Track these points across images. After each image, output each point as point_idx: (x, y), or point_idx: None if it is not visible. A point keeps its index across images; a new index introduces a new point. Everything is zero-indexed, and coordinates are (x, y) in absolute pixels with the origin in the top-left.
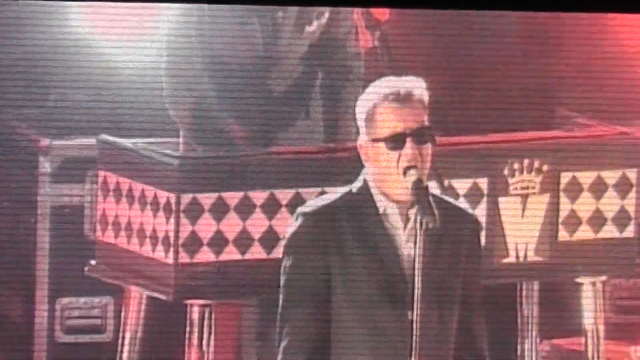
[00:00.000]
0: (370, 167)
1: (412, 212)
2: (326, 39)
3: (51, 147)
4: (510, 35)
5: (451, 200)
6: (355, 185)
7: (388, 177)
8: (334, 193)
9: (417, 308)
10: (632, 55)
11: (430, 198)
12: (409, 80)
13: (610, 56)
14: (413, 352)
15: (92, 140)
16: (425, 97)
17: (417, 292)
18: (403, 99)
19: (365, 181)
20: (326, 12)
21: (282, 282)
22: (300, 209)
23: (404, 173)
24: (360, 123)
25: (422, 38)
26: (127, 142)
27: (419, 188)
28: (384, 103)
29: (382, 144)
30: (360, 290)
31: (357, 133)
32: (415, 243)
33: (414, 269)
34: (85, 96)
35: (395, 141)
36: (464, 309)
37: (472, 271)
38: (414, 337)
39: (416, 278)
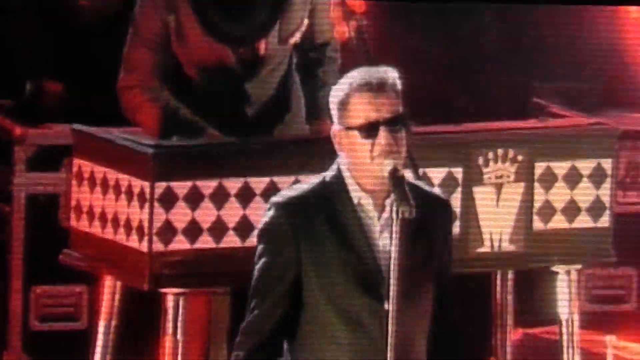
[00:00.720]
0: (344, 156)
1: (388, 202)
2: (304, 36)
3: (26, 135)
4: (487, 26)
5: (424, 186)
6: (329, 174)
7: (362, 167)
8: (307, 183)
9: (393, 298)
10: (608, 46)
11: (406, 187)
12: (382, 70)
13: (587, 48)
14: (389, 344)
15: (67, 129)
16: (399, 86)
17: (394, 283)
18: (376, 88)
19: (339, 170)
20: (304, 20)
21: (253, 272)
22: (272, 199)
23: (380, 162)
24: (334, 112)
25: (398, 29)
26: (101, 130)
27: (396, 177)
28: (357, 92)
29: (355, 133)
30: (334, 281)
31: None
32: (391, 233)
33: (390, 259)
34: (61, 84)
35: (369, 130)
36: (437, 299)
37: (446, 257)
38: (390, 329)
39: (392, 268)
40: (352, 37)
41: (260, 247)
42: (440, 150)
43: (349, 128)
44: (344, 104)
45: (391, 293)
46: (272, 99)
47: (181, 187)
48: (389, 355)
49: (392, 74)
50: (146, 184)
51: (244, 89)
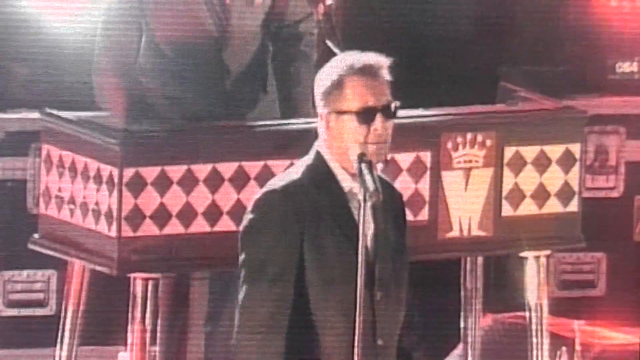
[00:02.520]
0: (329, 140)
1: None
2: (276, 9)
3: None
4: (456, 10)
5: (383, 175)
6: (311, 162)
7: (348, 152)
8: (290, 172)
9: (360, 288)
10: (576, 30)
11: (375, 174)
12: (376, 56)
13: (555, 32)
14: (356, 334)
15: (35, 114)
16: (388, 76)
17: (361, 271)
18: (374, 73)
19: (321, 157)
20: None
21: (244, 259)
22: (269, 188)
23: (374, 149)
24: (322, 95)
25: (366, 12)
26: (70, 115)
27: (364, 162)
28: (355, 75)
29: (350, 117)
30: (332, 270)
31: (313, 105)
32: (361, 220)
33: (365, 247)
34: (29, 69)
35: (366, 115)
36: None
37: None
38: (357, 319)
39: (360, 256)
40: (320, 20)
41: (259, 233)
42: (409, 134)
43: (341, 112)
44: (338, 87)
45: (359, 280)
46: (248, 74)
47: (150, 173)
48: (356, 339)
49: (386, 62)
50: (115, 170)
51: (220, 59)
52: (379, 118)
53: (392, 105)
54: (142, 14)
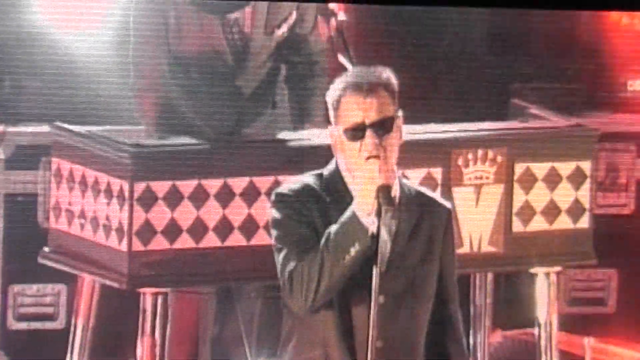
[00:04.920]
0: (338, 155)
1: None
2: (292, 35)
3: (5, 134)
4: (468, 27)
5: (424, 190)
6: (327, 171)
7: (354, 166)
8: (304, 177)
9: (375, 293)
10: (588, 48)
11: (391, 192)
12: (375, 70)
13: (567, 49)
14: (370, 339)
15: (46, 128)
16: (393, 87)
17: (376, 279)
18: (366, 89)
19: (337, 167)
20: (293, 12)
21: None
22: (278, 189)
23: (369, 164)
24: (330, 113)
25: (380, 28)
26: (81, 129)
27: (382, 187)
28: (348, 94)
29: (344, 134)
30: None
31: (328, 122)
32: (377, 234)
33: (376, 255)
34: (40, 83)
35: (355, 132)
36: (440, 301)
37: (448, 263)
38: (371, 324)
39: (376, 267)
40: (332, 36)
41: (279, 226)
42: (420, 150)
43: (340, 130)
44: (336, 105)
45: (373, 285)
46: (258, 94)
47: (160, 187)
48: (369, 344)
49: (385, 75)
50: (125, 184)
51: (234, 83)
52: (369, 133)
53: (388, 121)
54: (166, 35)
